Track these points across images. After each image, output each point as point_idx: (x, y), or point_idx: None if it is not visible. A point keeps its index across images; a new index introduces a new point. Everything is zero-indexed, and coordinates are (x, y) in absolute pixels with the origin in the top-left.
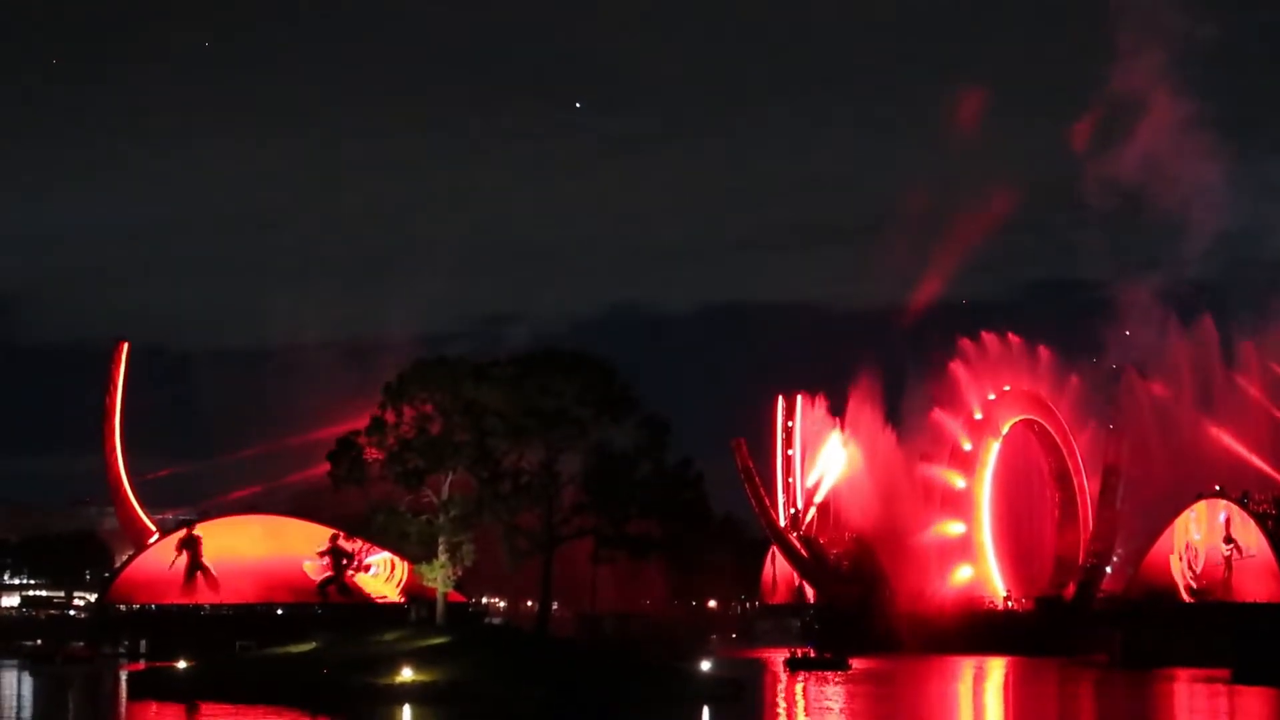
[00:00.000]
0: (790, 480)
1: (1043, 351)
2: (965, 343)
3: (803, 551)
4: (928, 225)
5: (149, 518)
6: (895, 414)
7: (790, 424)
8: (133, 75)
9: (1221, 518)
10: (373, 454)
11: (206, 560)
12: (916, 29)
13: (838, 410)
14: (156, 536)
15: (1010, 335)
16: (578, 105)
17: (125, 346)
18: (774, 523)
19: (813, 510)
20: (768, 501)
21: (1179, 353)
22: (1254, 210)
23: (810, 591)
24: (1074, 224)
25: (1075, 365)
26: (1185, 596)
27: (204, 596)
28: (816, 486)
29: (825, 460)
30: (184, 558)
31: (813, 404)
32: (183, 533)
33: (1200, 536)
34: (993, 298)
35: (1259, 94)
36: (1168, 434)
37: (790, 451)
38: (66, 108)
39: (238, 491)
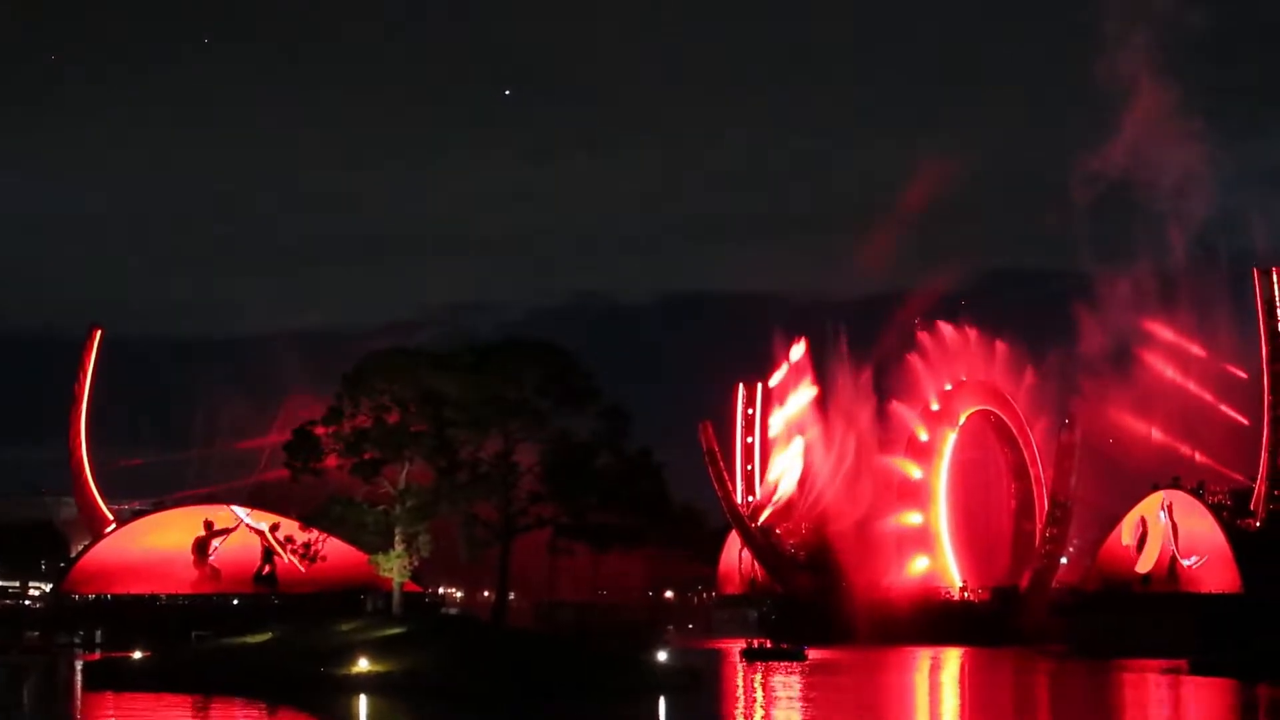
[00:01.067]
0: (750, 468)
1: (1000, 343)
2: (922, 334)
3: (761, 539)
4: (891, 217)
5: (108, 507)
6: (851, 402)
7: (751, 411)
8: (92, 64)
9: (1163, 516)
10: (330, 444)
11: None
12: (879, 22)
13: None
14: (113, 526)
15: (966, 324)
16: (507, 92)
17: (99, 333)
18: (735, 507)
19: (770, 508)
20: (730, 486)
21: (1142, 345)
22: (1234, 201)
23: (762, 582)
24: (1035, 212)
25: (1035, 355)
26: (1139, 587)
27: (174, 587)
28: (778, 482)
29: (786, 455)
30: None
31: (770, 393)
32: (203, 532)
33: (1155, 527)
34: (959, 287)
35: (1247, 82)
36: (1126, 425)
37: (750, 439)
38: (25, 95)
39: (202, 484)
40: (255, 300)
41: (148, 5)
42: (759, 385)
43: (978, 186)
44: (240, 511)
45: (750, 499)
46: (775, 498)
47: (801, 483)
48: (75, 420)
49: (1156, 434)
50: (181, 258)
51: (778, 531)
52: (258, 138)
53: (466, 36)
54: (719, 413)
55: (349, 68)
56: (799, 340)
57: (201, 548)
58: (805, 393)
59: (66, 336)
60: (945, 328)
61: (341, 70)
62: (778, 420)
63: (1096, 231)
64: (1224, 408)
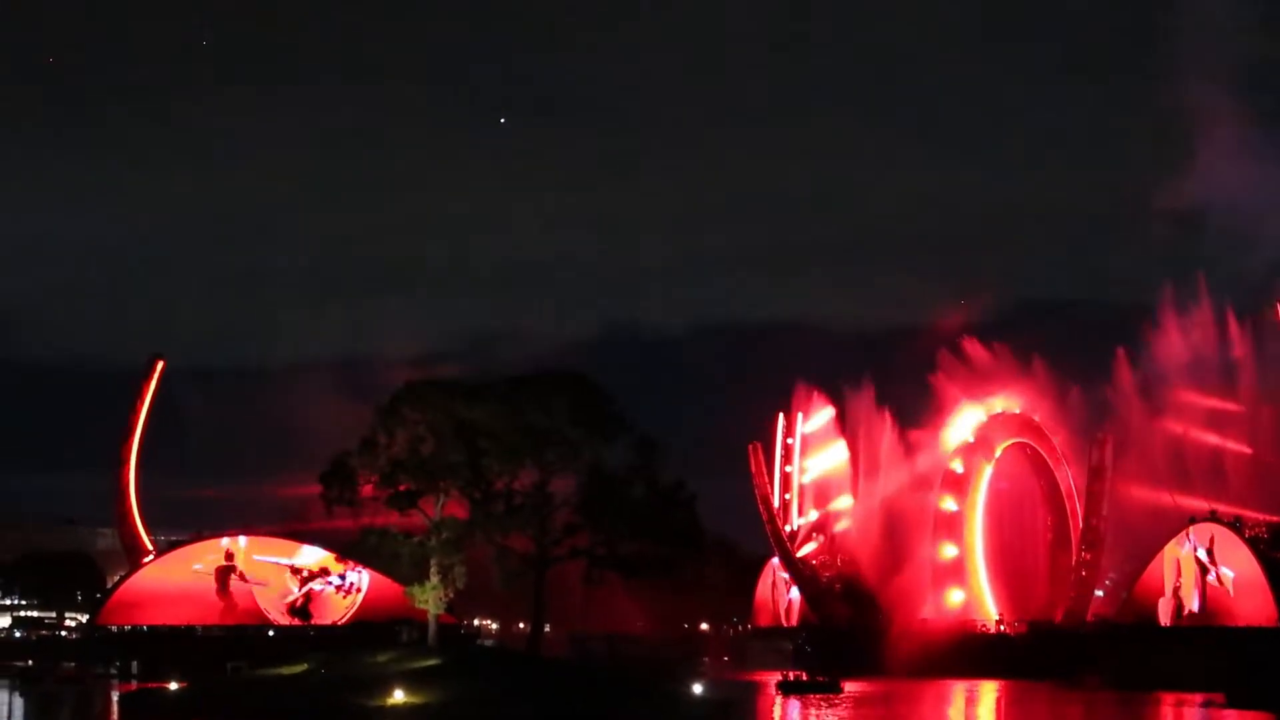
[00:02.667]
0: (787, 497)
1: (1036, 375)
2: (958, 365)
3: (803, 567)
4: (925, 246)
5: (149, 538)
6: (888, 434)
7: (790, 441)
8: (120, 91)
9: (1197, 547)
10: (365, 476)
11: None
12: (917, 51)
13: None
14: (151, 556)
15: (1002, 355)
16: (502, 121)
17: (161, 364)
18: (780, 532)
19: (813, 544)
20: (776, 510)
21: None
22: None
23: (798, 613)
24: (1071, 242)
25: (1072, 387)
26: (1173, 620)
27: (206, 617)
28: (823, 518)
29: (826, 491)
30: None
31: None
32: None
33: (1191, 560)
34: (994, 316)
35: None
36: (1161, 459)
37: (789, 468)
38: (59, 123)
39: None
40: (284, 330)
41: (175, 40)
42: (798, 415)
43: (1011, 215)
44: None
45: (788, 528)
46: (816, 534)
47: (838, 517)
48: (127, 450)
49: (1169, 496)
50: (207, 289)
51: (814, 563)
52: (288, 164)
53: (496, 62)
54: (751, 443)
55: (381, 92)
56: (824, 371)
57: (223, 578)
58: (837, 441)
59: (91, 368)
60: (981, 359)
61: (369, 98)
62: (817, 461)
63: (1140, 261)
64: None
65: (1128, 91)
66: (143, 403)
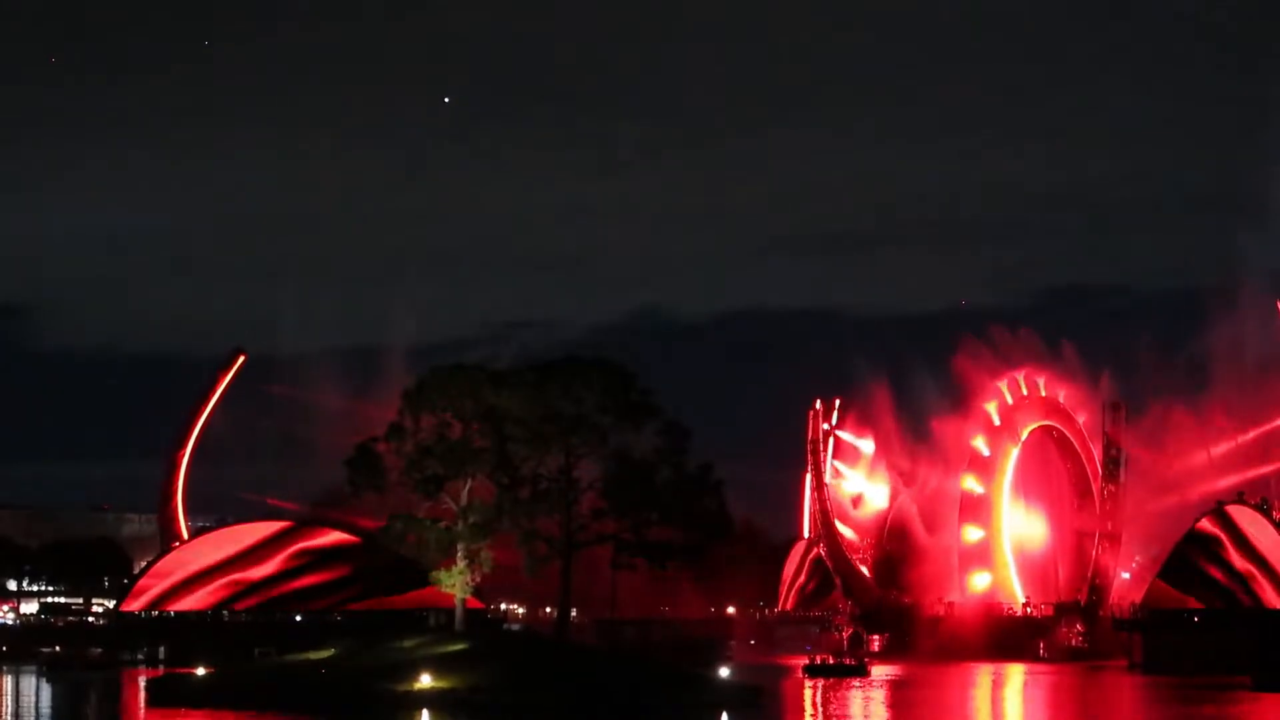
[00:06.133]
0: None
1: (1064, 358)
2: (984, 349)
3: (844, 542)
4: (948, 234)
5: (186, 525)
6: (916, 419)
7: (825, 426)
8: (144, 81)
9: (1224, 529)
10: (392, 461)
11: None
12: (947, 41)
13: (860, 417)
14: (179, 543)
15: (1029, 338)
16: (445, 100)
17: (242, 359)
18: (825, 501)
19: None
20: (823, 481)
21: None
22: None
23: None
24: (1100, 228)
25: (1099, 369)
26: (1201, 603)
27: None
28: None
29: (855, 473)
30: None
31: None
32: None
33: (1218, 542)
34: (1012, 303)
35: None
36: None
37: (824, 453)
38: (86, 117)
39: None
40: (310, 317)
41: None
42: (836, 400)
43: (1038, 202)
44: None
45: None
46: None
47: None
48: (186, 437)
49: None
50: (234, 279)
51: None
52: (313, 152)
53: (536, 53)
54: (779, 429)
55: (409, 82)
56: (849, 357)
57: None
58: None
59: (109, 355)
60: (1008, 343)
61: (403, 84)
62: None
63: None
64: None
65: (1184, 84)
66: (214, 391)
